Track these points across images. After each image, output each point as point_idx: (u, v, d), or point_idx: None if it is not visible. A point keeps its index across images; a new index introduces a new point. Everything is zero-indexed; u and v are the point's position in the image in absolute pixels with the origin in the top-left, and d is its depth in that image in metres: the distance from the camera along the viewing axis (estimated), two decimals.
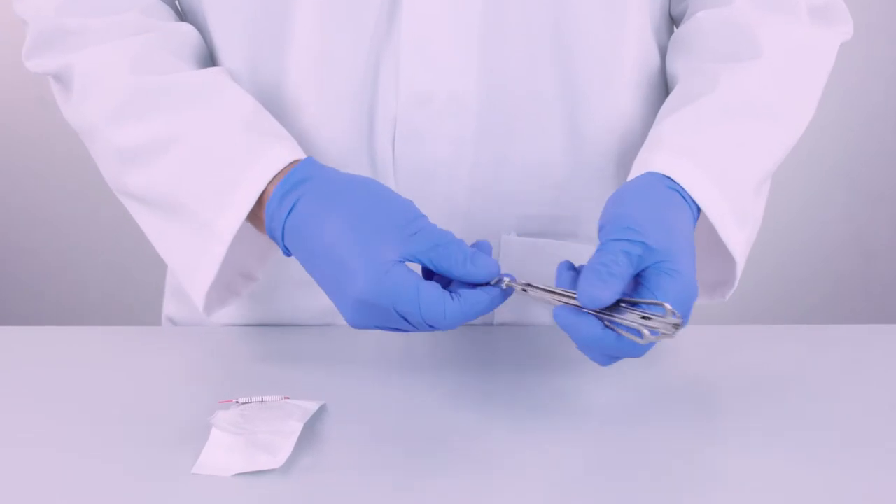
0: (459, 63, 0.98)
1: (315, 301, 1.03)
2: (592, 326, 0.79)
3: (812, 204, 2.42)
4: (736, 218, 0.91)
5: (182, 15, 1.04)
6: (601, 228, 0.84)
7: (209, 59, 1.02)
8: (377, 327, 0.84)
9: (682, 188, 0.88)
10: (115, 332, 1.04)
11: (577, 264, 0.84)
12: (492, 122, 1.00)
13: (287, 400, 0.85)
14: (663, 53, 1.06)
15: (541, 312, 1.07)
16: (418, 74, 0.97)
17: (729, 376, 0.93)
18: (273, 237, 0.87)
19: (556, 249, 1.04)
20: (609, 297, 0.78)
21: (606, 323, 0.79)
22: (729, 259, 0.94)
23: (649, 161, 0.90)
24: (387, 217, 0.83)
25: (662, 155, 0.90)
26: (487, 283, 0.83)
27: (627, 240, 0.81)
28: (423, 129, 0.99)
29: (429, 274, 0.85)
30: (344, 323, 1.04)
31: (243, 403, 0.85)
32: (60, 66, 0.97)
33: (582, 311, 0.80)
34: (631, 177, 0.90)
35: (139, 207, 0.97)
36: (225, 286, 0.96)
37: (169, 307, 1.14)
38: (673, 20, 1.08)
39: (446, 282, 0.84)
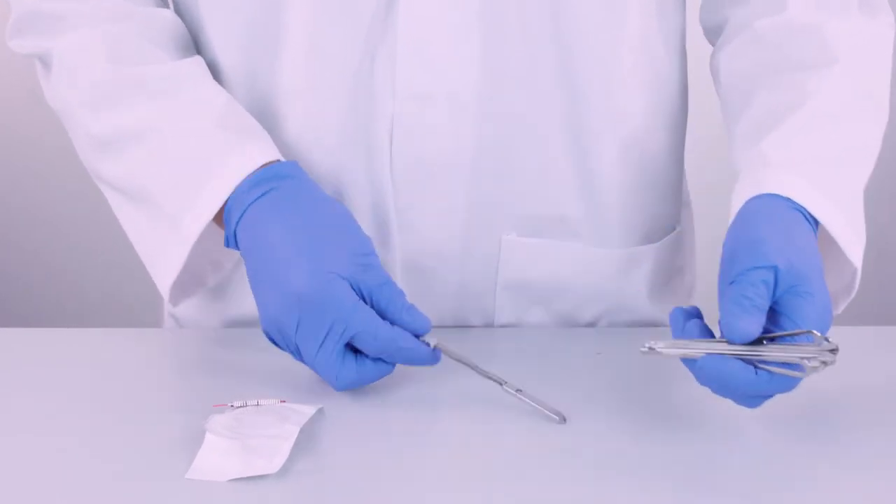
0: (458, 64, 0.97)
1: None
2: (746, 373, 0.77)
3: None
4: (853, 228, 0.90)
5: (173, 5, 1.04)
6: (730, 258, 0.82)
7: (190, 46, 1.02)
8: (283, 340, 0.85)
9: (802, 207, 0.87)
10: (111, 334, 1.04)
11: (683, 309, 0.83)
12: (491, 123, 0.99)
13: (283, 403, 0.85)
14: (667, 49, 1.05)
15: (538, 315, 1.07)
16: (416, 75, 0.97)
17: None
18: (227, 221, 0.88)
19: (557, 250, 1.04)
20: (756, 329, 0.77)
21: (758, 365, 0.77)
22: (843, 270, 0.93)
23: (762, 182, 0.88)
24: (347, 240, 0.86)
25: (774, 174, 0.89)
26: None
27: (763, 267, 0.79)
28: (421, 128, 0.98)
29: None
30: None
31: (238, 407, 0.85)
32: (41, 50, 0.99)
33: (726, 358, 0.77)
34: (738, 199, 0.89)
35: (113, 194, 0.98)
36: (192, 275, 0.98)
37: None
38: (704, 30, 1.08)
39: None
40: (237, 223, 0.88)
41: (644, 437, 0.82)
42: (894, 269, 2.50)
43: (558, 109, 1.00)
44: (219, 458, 0.77)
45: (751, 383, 0.77)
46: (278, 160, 0.92)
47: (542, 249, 1.03)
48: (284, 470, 0.76)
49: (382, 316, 0.85)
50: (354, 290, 0.85)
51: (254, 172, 0.89)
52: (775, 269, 0.79)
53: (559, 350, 0.99)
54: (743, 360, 0.77)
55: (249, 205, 0.88)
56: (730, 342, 0.77)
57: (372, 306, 0.85)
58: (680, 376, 0.91)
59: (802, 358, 0.76)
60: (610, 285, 1.06)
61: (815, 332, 0.77)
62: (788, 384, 0.78)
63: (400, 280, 1.02)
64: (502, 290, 1.04)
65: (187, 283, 0.97)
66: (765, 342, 0.78)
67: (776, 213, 0.86)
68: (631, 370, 0.93)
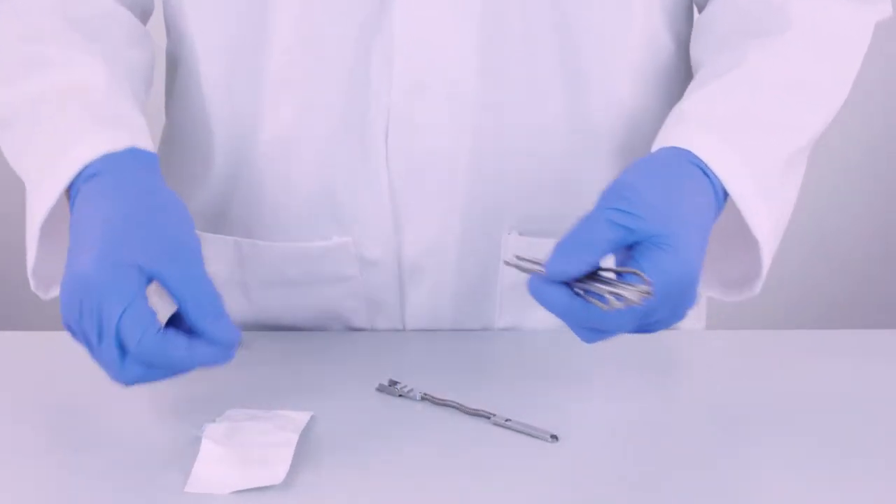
0: (457, 49, 0.96)
1: (306, 303, 1.02)
2: (560, 294, 0.77)
3: (833, 202, 2.40)
4: (763, 198, 0.88)
5: None
6: (600, 195, 0.81)
7: (137, 43, 0.99)
8: (75, 328, 0.79)
9: (705, 164, 0.85)
10: None
11: None
12: (491, 113, 0.98)
13: (275, 411, 0.84)
14: (678, 42, 1.04)
15: (541, 317, 1.01)
16: (413, 61, 0.96)
17: (742, 384, 0.93)
18: (71, 192, 0.84)
19: None
20: (576, 268, 0.77)
21: (577, 291, 0.77)
22: (754, 248, 0.90)
23: (669, 136, 0.88)
24: (162, 227, 0.80)
25: (682, 128, 0.88)
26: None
27: (617, 209, 0.79)
28: (418, 120, 0.97)
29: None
30: (337, 327, 1.05)
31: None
32: None
33: (553, 281, 0.78)
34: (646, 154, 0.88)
35: None
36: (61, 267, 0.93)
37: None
38: (698, 9, 1.07)
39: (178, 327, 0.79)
40: (72, 209, 0.85)
41: (650, 446, 0.82)
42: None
43: (560, 102, 0.99)
44: (217, 467, 0.76)
45: (567, 307, 0.77)
46: (133, 147, 0.87)
47: (545, 249, 1.00)
48: (289, 481, 0.75)
49: (185, 314, 0.78)
50: (161, 283, 0.79)
51: (95, 160, 0.85)
52: (632, 215, 0.78)
53: (560, 355, 0.98)
54: (569, 285, 0.78)
55: (79, 189, 0.84)
56: (548, 274, 0.77)
57: (178, 303, 0.79)
58: (693, 382, 0.93)
59: (611, 292, 0.76)
60: None
61: (639, 272, 0.76)
62: (608, 320, 0.78)
63: (396, 281, 1.01)
64: (503, 292, 1.03)
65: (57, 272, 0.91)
66: (601, 274, 0.78)
67: (667, 165, 0.85)
68: (634, 375, 0.93)
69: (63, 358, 0.95)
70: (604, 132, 1.00)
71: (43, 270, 0.90)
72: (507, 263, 0.82)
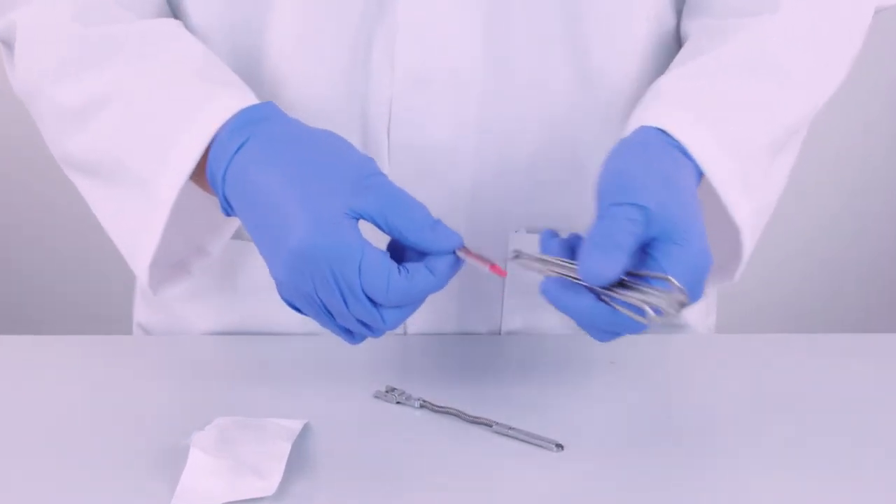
0: (461, 37, 0.96)
1: None
2: (583, 299, 0.77)
3: (847, 205, 2.39)
4: (741, 181, 0.88)
5: None
6: (600, 192, 0.81)
7: (165, 14, 0.99)
8: (309, 301, 0.80)
9: (681, 144, 0.85)
10: (79, 342, 1.02)
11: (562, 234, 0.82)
12: (496, 104, 0.97)
13: (268, 418, 0.84)
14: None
15: (551, 318, 1.05)
16: (416, 51, 0.95)
17: (753, 391, 0.92)
18: (214, 186, 0.84)
19: None
20: (614, 272, 0.76)
21: (604, 298, 0.77)
22: (734, 232, 0.90)
23: (644, 115, 0.87)
24: (340, 167, 0.81)
25: (658, 107, 0.87)
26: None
27: (632, 204, 0.78)
28: (421, 112, 0.97)
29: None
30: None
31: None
32: (4, 26, 0.96)
33: (573, 283, 0.78)
34: (623, 133, 0.88)
35: (83, 180, 0.94)
36: (175, 262, 0.94)
37: (139, 313, 1.11)
38: None
39: (399, 256, 0.81)
40: (223, 186, 0.84)
41: (660, 452, 0.82)
42: None
43: (568, 92, 0.98)
44: (206, 478, 0.75)
45: (589, 313, 0.77)
46: (251, 104, 0.87)
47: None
48: (280, 492, 0.75)
49: (402, 237, 0.80)
50: (367, 219, 0.80)
51: (227, 122, 0.85)
52: (645, 210, 0.78)
53: (570, 359, 0.97)
54: (589, 288, 0.77)
55: (230, 162, 0.83)
56: (585, 280, 0.77)
57: (389, 232, 0.80)
58: (701, 387, 0.93)
59: (645, 303, 0.75)
60: None
61: (671, 279, 0.76)
62: (632, 325, 0.78)
63: None
64: (510, 293, 1.03)
65: (169, 269, 0.94)
66: (624, 279, 0.77)
67: (650, 149, 0.84)
68: (646, 381, 0.93)
69: (47, 365, 0.97)
70: (613, 123, 0.99)
71: (162, 259, 0.90)
72: (513, 259, 0.82)
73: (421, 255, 0.80)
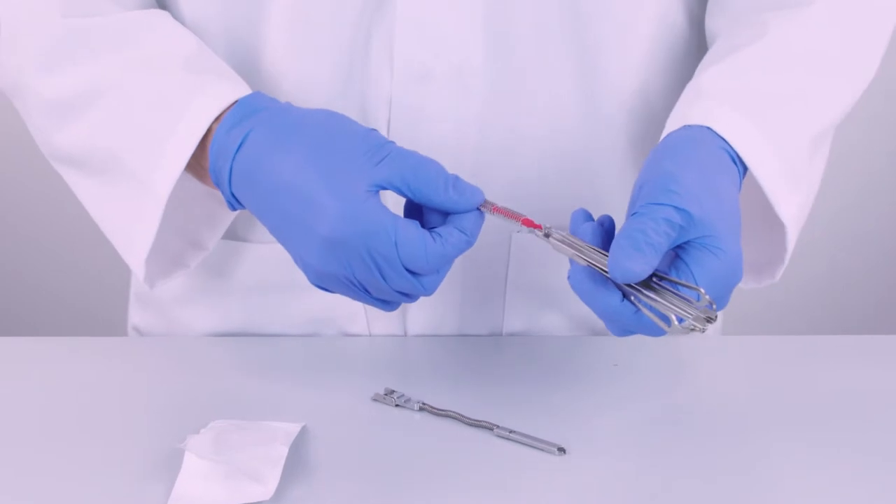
0: (463, 32, 0.95)
1: (297, 307, 1.02)
2: (610, 297, 0.77)
3: (859, 205, 2.39)
4: (788, 179, 0.88)
5: None
6: (640, 187, 0.80)
7: (153, 6, 0.99)
8: (344, 282, 0.80)
9: (728, 144, 0.85)
10: (73, 344, 1.01)
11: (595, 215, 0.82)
12: (499, 99, 0.97)
13: (265, 421, 0.84)
14: (692, 22, 1.03)
15: (554, 319, 1.05)
16: (416, 45, 0.95)
17: (759, 394, 0.92)
18: (218, 182, 0.84)
19: None
20: (643, 271, 0.76)
21: (632, 298, 0.77)
22: (777, 231, 0.90)
23: (687, 114, 0.87)
24: (350, 144, 0.81)
25: (703, 105, 0.87)
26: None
27: (672, 206, 0.78)
28: (421, 109, 0.96)
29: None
30: (331, 333, 1.03)
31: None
32: None
33: (602, 277, 0.78)
34: (665, 131, 0.87)
35: (72, 173, 0.94)
36: (171, 256, 0.94)
37: (134, 315, 1.11)
38: None
39: (417, 219, 0.83)
40: (230, 182, 0.84)
41: (663, 457, 0.82)
42: None
43: (571, 87, 0.98)
44: (201, 483, 0.75)
45: (613, 311, 0.78)
46: (246, 94, 0.88)
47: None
48: (278, 496, 0.75)
49: (427, 200, 0.80)
50: (390, 188, 0.80)
51: (224, 115, 0.85)
52: (685, 213, 0.78)
53: (573, 361, 0.97)
54: (617, 284, 0.77)
55: (234, 158, 0.83)
56: (613, 277, 0.76)
57: (413, 197, 0.81)
58: (708, 391, 0.93)
59: (671, 311, 0.75)
60: None
61: (702, 291, 0.76)
62: (653, 329, 0.78)
63: None
64: (512, 294, 1.02)
65: (166, 263, 0.94)
66: (653, 280, 0.77)
67: (698, 150, 0.84)
68: (650, 385, 0.92)
69: (40, 367, 0.96)
70: (618, 119, 0.99)
71: (158, 252, 0.90)
72: (543, 237, 0.81)
73: (440, 213, 0.81)
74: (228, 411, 0.85)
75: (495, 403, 0.87)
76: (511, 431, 0.82)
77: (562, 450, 0.80)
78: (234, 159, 0.82)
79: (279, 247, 0.99)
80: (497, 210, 0.82)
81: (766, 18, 0.93)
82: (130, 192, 0.88)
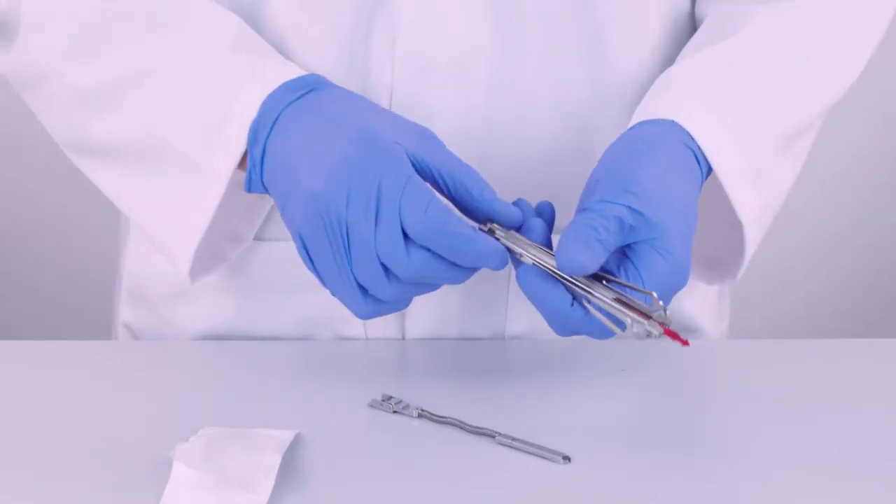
0: (467, 21, 0.95)
1: (292, 307, 1.02)
2: (561, 300, 0.80)
3: (860, 209, 2.40)
4: (750, 177, 0.89)
5: None
6: (596, 182, 0.82)
7: None
8: (328, 231, 0.80)
9: (691, 138, 0.86)
10: (59, 348, 1.02)
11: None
12: (504, 91, 0.97)
13: (256, 429, 0.83)
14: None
15: None
16: (418, 36, 0.95)
17: (765, 398, 0.92)
18: (252, 157, 0.85)
19: None
20: (591, 266, 0.78)
21: (583, 302, 0.79)
22: (736, 227, 0.91)
23: (655, 105, 0.89)
24: (404, 123, 0.84)
25: (669, 98, 0.89)
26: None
27: (626, 206, 0.80)
28: (424, 101, 0.96)
29: None
30: (327, 334, 1.03)
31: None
32: (5, 5, 0.94)
33: (551, 276, 0.80)
34: (631, 122, 0.89)
35: (104, 164, 0.94)
36: (211, 249, 0.94)
37: (125, 313, 1.10)
38: None
39: None
40: (270, 131, 0.85)
41: (667, 460, 0.82)
42: None
43: (579, 80, 0.98)
44: (191, 493, 0.74)
45: (564, 314, 0.80)
46: (300, 76, 0.89)
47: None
48: None
49: (462, 196, 0.81)
50: (426, 169, 0.81)
51: (281, 86, 0.86)
52: (638, 214, 0.80)
53: (577, 366, 0.97)
54: (566, 286, 0.80)
55: (283, 109, 0.84)
56: (560, 269, 0.79)
57: (452, 187, 0.82)
58: (714, 393, 0.94)
59: (628, 317, 0.77)
60: None
61: (656, 296, 0.77)
62: (602, 331, 0.80)
63: None
64: (515, 295, 1.01)
65: (207, 256, 0.94)
66: (603, 281, 0.79)
67: (661, 148, 0.85)
68: (657, 389, 0.92)
69: (24, 372, 0.96)
70: (625, 111, 0.99)
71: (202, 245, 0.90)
72: (482, 230, 0.82)
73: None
74: (219, 418, 0.84)
75: (497, 410, 0.87)
76: (514, 439, 0.82)
77: (567, 458, 0.80)
78: (282, 111, 0.84)
79: (276, 245, 1.00)
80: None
81: (748, 11, 0.94)
82: (183, 179, 0.89)
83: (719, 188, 0.89)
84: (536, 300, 0.80)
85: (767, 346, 1.04)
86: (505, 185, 0.97)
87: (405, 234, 0.79)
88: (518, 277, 0.80)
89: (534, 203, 0.86)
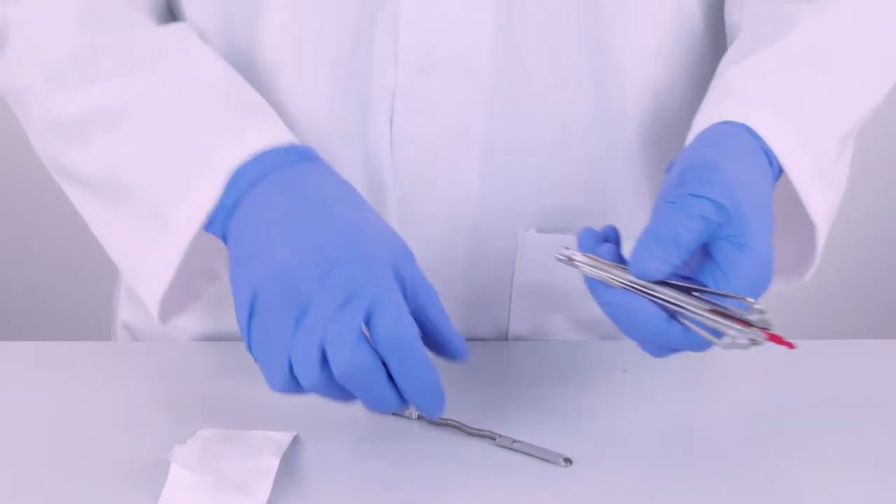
0: (470, 22, 0.95)
1: None
2: (654, 317, 0.77)
3: (871, 209, 2.40)
4: (818, 178, 0.89)
5: None
6: (679, 176, 0.80)
7: (167, 13, 0.99)
8: (292, 294, 0.77)
9: (764, 142, 0.86)
10: (55, 349, 1.02)
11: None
12: (508, 93, 0.96)
13: (254, 431, 0.83)
14: (708, 21, 1.02)
15: (561, 325, 1.05)
16: (421, 37, 0.94)
17: (774, 402, 0.92)
18: (223, 205, 0.83)
19: None
20: (664, 269, 0.76)
21: (680, 319, 0.76)
22: (806, 231, 0.91)
23: (719, 110, 0.88)
24: (386, 235, 0.80)
25: (734, 103, 0.88)
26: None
27: (710, 199, 0.77)
28: (426, 102, 0.96)
29: None
30: None
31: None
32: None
33: (630, 291, 0.77)
34: (696, 128, 0.88)
35: (79, 191, 0.93)
36: (183, 288, 0.92)
37: (125, 312, 1.11)
38: None
39: None
40: (246, 191, 0.83)
41: (671, 464, 0.82)
42: None
43: (584, 82, 0.97)
44: (188, 495, 0.75)
45: (661, 332, 0.77)
46: (292, 143, 0.87)
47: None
48: None
49: (425, 320, 0.79)
50: (400, 278, 0.79)
51: (260, 152, 0.85)
52: (724, 209, 0.78)
53: (580, 367, 0.97)
54: (658, 303, 0.77)
55: (261, 179, 0.83)
56: (633, 274, 0.77)
57: (414, 304, 0.79)
58: (721, 395, 0.93)
59: (730, 329, 0.75)
60: None
61: (752, 301, 0.75)
62: (701, 344, 0.78)
63: None
64: (518, 296, 1.01)
65: (178, 296, 0.92)
66: (694, 293, 0.77)
67: (736, 145, 0.85)
68: (661, 392, 0.92)
69: (21, 375, 0.96)
70: (631, 116, 0.99)
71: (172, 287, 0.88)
72: (560, 260, 0.80)
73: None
74: (216, 420, 0.84)
75: (498, 411, 0.87)
76: (515, 441, 0.81)
77: (568, 461, 0.79)
78: (257, 184, 0.82)
79: None
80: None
81: (796, 11, 0.94)
82: (147, 225, 0.87)
83: (783, 191, 0.88)
84: (628, 322, 0.78)
85: (773, 347, 1.04)
86: (506, 186, 0.98)
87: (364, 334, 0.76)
88: (606, 306, 0.78)
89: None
